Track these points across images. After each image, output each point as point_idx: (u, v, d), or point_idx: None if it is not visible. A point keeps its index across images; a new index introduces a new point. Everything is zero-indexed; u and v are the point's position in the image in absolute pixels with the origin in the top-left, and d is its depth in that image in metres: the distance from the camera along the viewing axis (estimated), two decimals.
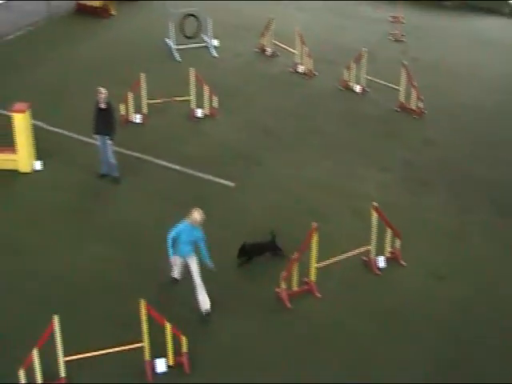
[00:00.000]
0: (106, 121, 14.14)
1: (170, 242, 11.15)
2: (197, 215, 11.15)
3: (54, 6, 22.62)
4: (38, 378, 10.20)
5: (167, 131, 16.51)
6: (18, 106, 14.78)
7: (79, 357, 10.45)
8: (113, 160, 14.47)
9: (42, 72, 19.05)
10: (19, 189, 14.56)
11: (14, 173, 14.82)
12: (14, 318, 11.51)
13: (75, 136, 16.11)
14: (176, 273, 11.84)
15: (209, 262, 11.34)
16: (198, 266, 11.38)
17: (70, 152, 15.63)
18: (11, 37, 21.29)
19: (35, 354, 10.08)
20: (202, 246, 11.31)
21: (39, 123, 16.11)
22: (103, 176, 14.65)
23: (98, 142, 14.46)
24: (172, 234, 11.17)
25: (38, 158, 15.09)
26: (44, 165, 15.03)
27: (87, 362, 10.51)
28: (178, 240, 11.24)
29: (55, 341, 10.09)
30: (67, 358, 10.34)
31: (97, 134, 14.30)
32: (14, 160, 14.80)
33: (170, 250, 11.19)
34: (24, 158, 14.81)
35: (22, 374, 10.12)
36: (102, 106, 14.08)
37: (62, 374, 10.29)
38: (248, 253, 12.48)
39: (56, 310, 10.21)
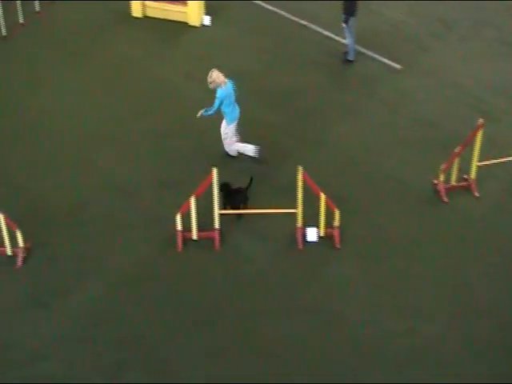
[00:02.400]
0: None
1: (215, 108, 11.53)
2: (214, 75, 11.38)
3: None
4: (193, 224, 10.58)
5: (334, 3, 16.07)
6: None
7: (233, 212, 10.81)
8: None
9: None
10: (186, 41, 14.72)
11: (184, 25, 14.98)
12: (174, 167, 11.93)
13: None
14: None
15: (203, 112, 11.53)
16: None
17: (241, 13, 15.52)
18: None
19: (192, 201, 10.40)
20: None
21: None
22: (348, 61, 14.28)
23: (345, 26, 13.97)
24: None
25: (208, 13, 15.12)
26: (212, 21, 15.06)
27: (254, 219, 10.88)
28: (228, 106, 11.40)
29: (212, 193, 10.34)
30: (222, 212, 10.65)
31: (352, 16, 13.77)
32: (185, 12, 14.90)
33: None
34: (194, 12, 14.85)
35: (178, 218, 10.52)
36: None
37: (217, 225, 10.62)
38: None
39: (215, 163, 10.45)
